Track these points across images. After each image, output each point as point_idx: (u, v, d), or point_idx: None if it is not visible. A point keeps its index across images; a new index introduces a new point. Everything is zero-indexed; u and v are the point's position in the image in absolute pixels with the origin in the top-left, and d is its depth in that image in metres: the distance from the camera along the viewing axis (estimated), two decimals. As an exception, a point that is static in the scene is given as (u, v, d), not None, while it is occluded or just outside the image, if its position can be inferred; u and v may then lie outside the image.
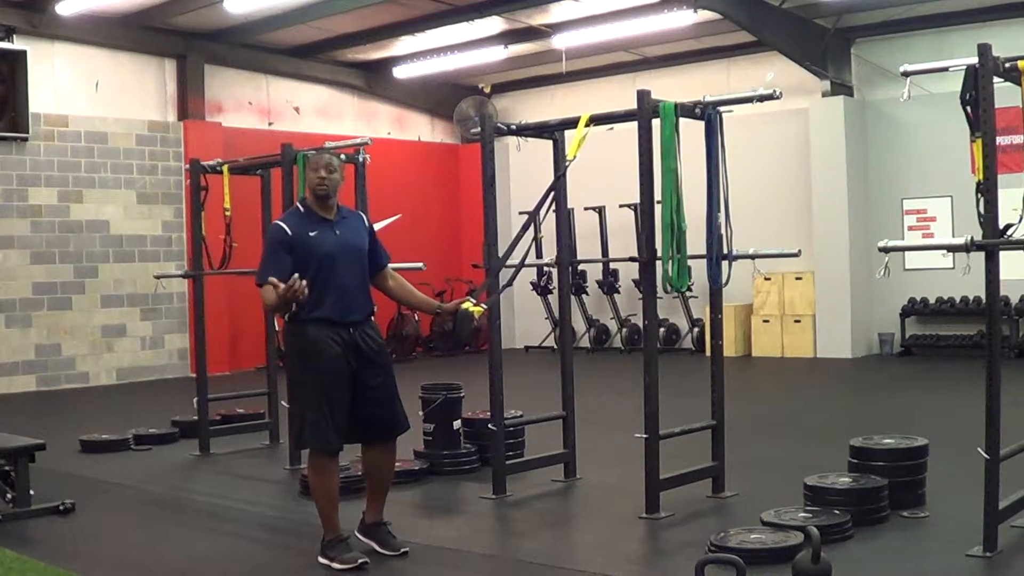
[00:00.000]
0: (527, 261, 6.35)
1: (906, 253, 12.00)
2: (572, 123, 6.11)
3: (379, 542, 5.05)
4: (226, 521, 6.05)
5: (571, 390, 6.68)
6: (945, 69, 4.99)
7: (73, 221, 13.03)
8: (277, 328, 8.95)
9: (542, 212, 5.99)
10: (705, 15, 12.60)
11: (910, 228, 13.67)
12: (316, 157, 5.11)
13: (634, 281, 12.79)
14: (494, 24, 13.65)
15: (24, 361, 12.64)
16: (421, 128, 17.18)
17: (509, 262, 5.90)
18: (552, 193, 6.08)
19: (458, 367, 13.42)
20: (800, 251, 6.27)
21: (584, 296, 15.34)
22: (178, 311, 13.87)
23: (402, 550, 5.02)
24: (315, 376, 4.84)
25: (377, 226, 6.09)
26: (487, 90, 17.17)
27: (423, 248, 13.59)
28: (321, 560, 4.89)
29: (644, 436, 5.59)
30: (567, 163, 6.18)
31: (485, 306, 5.30)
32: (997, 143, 4.64)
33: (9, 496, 6.04)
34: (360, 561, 4.81)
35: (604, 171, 12.46)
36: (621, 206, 14.08)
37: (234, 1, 11.99)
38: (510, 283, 5.89)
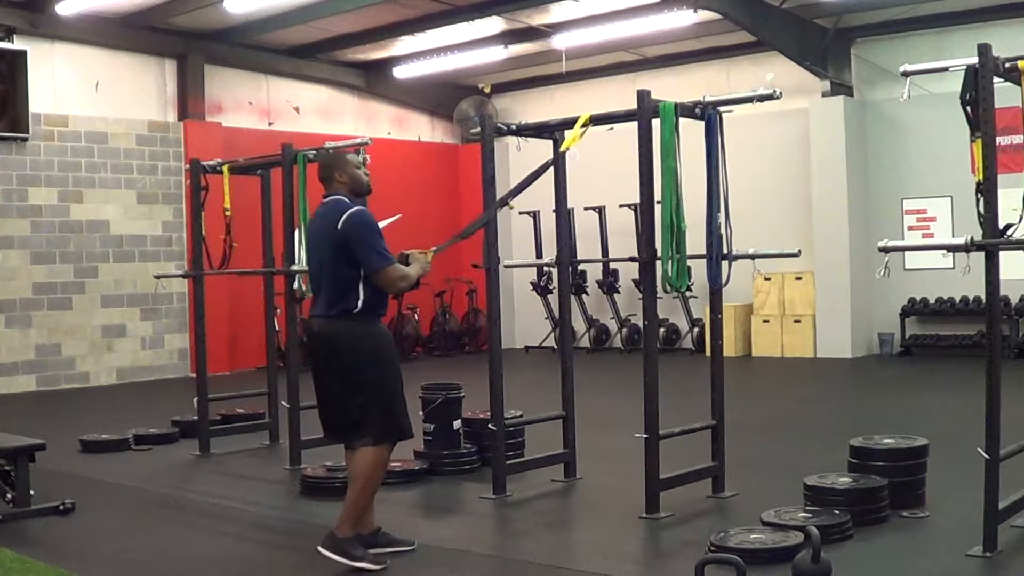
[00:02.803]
0: (530, 260, 6.35)
1: (906, 253, 12.00)
2: (572, 123, 6.10)
3: (390, 544, 5.04)
4: (226, 521, 6.05)
5: (571, 390, 6.68)
6: (945, 69, 4.99)
7: (73, 221, 13.04)
8: (277, 328, 8.98)
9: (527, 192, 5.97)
10: (705, 15, 12.60)
11: (910, 228, 13.67)
12: (352, 157, 5.22)
13: (634, 281, 12.79)
14: (494, 24, 13.65)
15: (24, 361, 12.64)
16: (421, 128, 17.18)
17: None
18: (538, 175, 6.02)
19: (458, 367, 13.42)
20: (800, 251, 6.27)
21: (584, 296, 15.34)
22: (178, 311, 13.87)
23: (414, 541, 5.12)
24: (393, 369, 4.99)
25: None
26: (487, 90, 17.17)
27: (423, 248, 13.57)
28: (345, 560, 4.77)
29: (644, 436, 5.59)
30: (560, 152, 6.18)
31: (434, 251, 5.32)
32: (997, 143, 4.64)
33: (9, 496, 6.04)
34: (382, 566, 4.83)
35: (604, 171, 12.44)
36: (621, 206, 14.08)
37: (234, 1, 11.98)
38: (463, 236, 5.88)
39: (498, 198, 6.09)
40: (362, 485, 4.89)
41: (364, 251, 4.88)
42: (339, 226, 4.87)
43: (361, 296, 4.89)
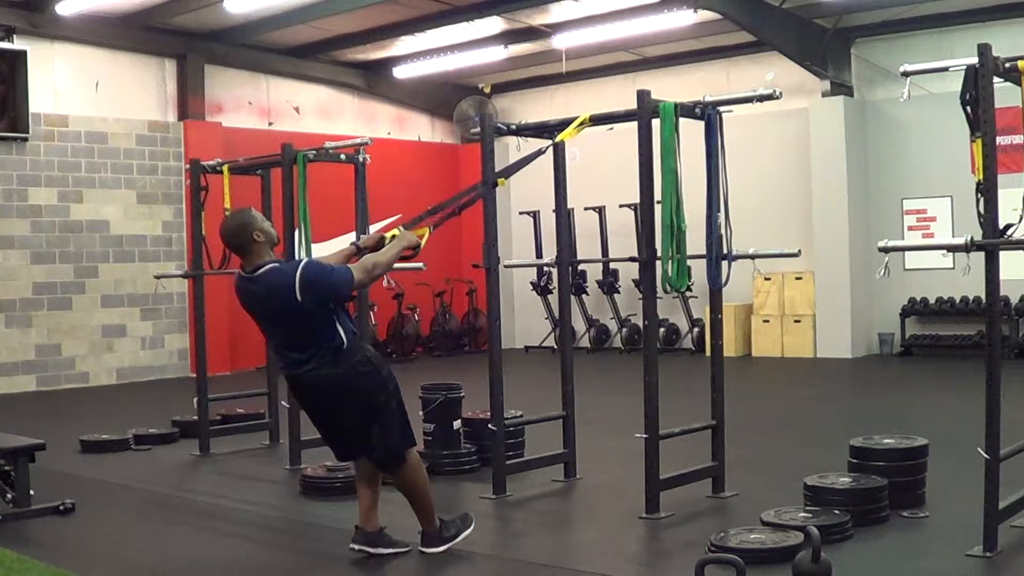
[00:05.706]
0: (530, 260, 6.35)
1: (906, 253, 12.00)
2: (572, 123, 6.10)
3: (391, 545, 5.07)
4: (226, 521, 6.05)
5: (571, 390, 6.68)
6: (945, 69, 4.99)
7: (73, 221, 13.03)
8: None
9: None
10: (705, 15, 12.60)
11: (910, 228, 13.67)
12: (252, 210, 5.08)
13: (634, 281, 12.78)
14: (494, 24, 13.65)
15: (24, 361, 12.64)
16: (421, 128, 17.18)
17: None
18: (534, 158, 5.99)
19: (458, 367, 13.42)
20: (800, 251, 6.27)
21: (584, 296, 15.34)
22: (178, 311, 13.87)
23: (410, 545, 5.14)
24: (395, 386, 5.00)
25: (376, 227, 6.12)
26: (487, 90, 17.16)
27: (423, 248, 13.56)
28: (450, 544, 5.07)
29: (644, 436, 5.59)
30: (553, 142, 6.19)
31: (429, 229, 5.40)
32: (997, 143, 4.64)
33: (9, 496, 6.04)
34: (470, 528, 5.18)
35: (604, 171, 12.45)
36: (621, 206, 14.06)
37: (234, 1, 11.99)
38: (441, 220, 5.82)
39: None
40: (419, 493, 5.10)
41: (331, 292, 4.80)
42: (299, 297, 4.69)
43: (341, 330, 4.83)
